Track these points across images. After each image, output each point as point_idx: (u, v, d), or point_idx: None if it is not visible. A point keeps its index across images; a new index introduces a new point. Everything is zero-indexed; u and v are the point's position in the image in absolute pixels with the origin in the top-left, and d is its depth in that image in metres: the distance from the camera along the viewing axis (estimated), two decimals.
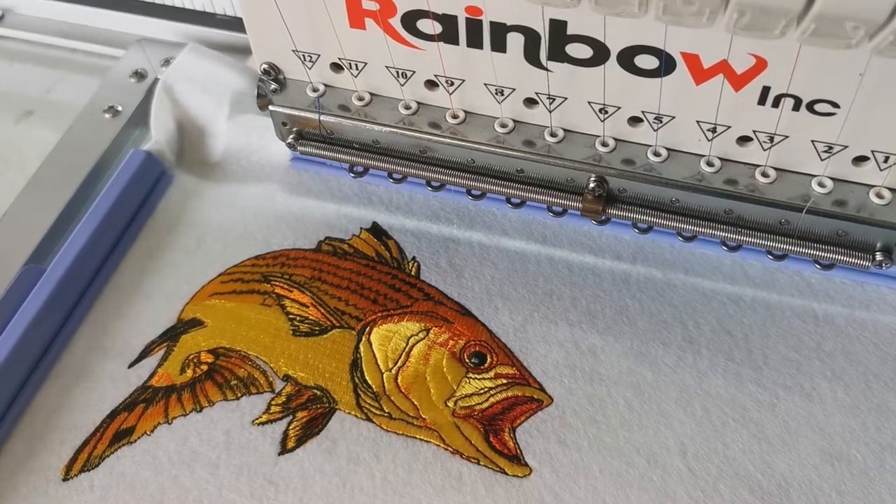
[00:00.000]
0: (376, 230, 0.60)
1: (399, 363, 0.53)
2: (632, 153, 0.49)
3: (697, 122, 0.45)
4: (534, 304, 0.55)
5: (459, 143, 0.51)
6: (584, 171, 0.49)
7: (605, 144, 0.49)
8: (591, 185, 0.49)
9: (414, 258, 0.58)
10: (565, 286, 0.56)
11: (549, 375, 0.52)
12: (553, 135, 0.50)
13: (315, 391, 0.52)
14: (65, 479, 0.49)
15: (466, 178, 0.53)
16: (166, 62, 0.67)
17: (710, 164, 0.47)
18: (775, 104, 0.43)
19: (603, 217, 0.51)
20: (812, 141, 0.44)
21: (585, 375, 0.52)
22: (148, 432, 0.51)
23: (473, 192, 0.56)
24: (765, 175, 0.47)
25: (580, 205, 0.50)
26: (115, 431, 0.51)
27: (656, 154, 0.48)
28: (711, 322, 0.53)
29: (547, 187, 0.51)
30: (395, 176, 0.57)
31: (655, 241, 0.57)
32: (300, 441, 0.50)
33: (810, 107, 0.42)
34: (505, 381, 0.51)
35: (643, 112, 0.46)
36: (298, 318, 0.55)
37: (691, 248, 0.57)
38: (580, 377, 0.51)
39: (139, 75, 0.68)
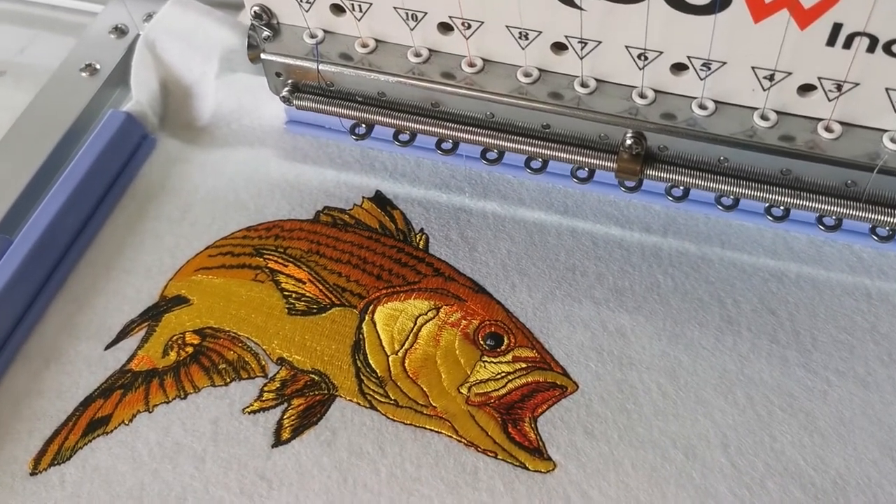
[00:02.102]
0: (380, 199, 0.54)
1: (406, 345, 0.47)
2: (674, 106, 0.43)
3: (753, 68, 0.40)
4: (555, 281, 0.50)
5: (476, 94, 0.45)
6: (620, 126, 0.43)
7: (643, 96, 0.43)
8: (628, 141, 0.43)
9: (422, 230, 0.52)
10: (590, 261, 0.50)
11: (574, 359, 0.46)
12: (584, 85, 0.44)
13: (312, 376, 0.47)
14: (32, 474, 0.44)
15: (484, 134, 0.47)
16: (148, 16, 0.61)
17: (764, 117, 0.42)
18: (847, 45, 0.37)
19: (639, 179, 0.46)
20: (887, 89, 0.39)
21: (614, 359, 0.46)
22: (126, 421, 0.46)
23: (489, 154, 0.51)
24: (828, 130, 0.41)
25: (614, 165, 0.44)
26: (90, 420, 0.46)
27: (702, 107, 0.42)
28: (752, 300, 0.48)
29: (576, 145, 0.45)
30: (401, 137, 0.51)
31: (689, 212, 0.52)
32: (296, 432, 0.45)
33: (888, 48, 0.37)
34: (524, 365, 0.46)
35: (689, 58, 0.41)
36: (294, 296, 0.50)
37: (728, 220, 0.52)
38: (608, 361, 0.46)
39: (119, 31, 0.62)
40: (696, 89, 0.42)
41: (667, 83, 0.43)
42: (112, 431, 0.45)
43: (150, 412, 0.46)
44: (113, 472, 0.44)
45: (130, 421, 0.46)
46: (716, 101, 0.42)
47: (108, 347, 0.49)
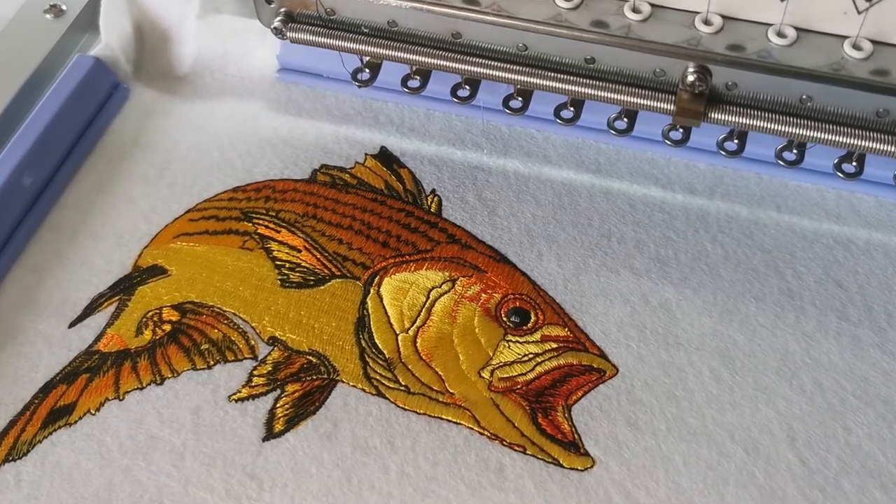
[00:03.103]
0: (385, 156, 0.48)
1: (418, 322, 0.41)
2: (745, 35, 0.37)
3: None
4: (588, 249, 0.43)
5: (506, 22, 0.39)
6: (679, 59, 0.37)
7: (707, 23, 0.37)
8: (690, 78, 0.36)
9: (434, 191, 0.46)
10: (627, 226, 0.44)
11: (612, 338, 0.40)
12: (636, 10, 0.38)
13: (310, 358, 0.40)
14: None
15: (514, 71, 0.40)
16: None
17: (857, 47, 0.35)
18: None
19: (686, 133, 0.39)
20: None
21: (658, 338, 0.40)
22: (92, 411, 0.39)
23: (512, 103, 0.44)
24: None
25: (672, 107, 0.38)
26: (50, 409, 0.39)
27: (781, 35, 0.36)
28: (816, 271, 0.42)
29: (626, 84, 0.39)
30: (411, 84, 0.45)
31: (738, 171, 0.46)
32: (291, 423, 0.38)
33: None
34: (555, 345, 0.40)
35: None
36: (288, 266, 0.43)
37: (784, 179, 0.45)
38: (652, 341, 0.40)
39: None
40: (773, 14, 0.35)
41: (737, 7, 0.36)
42: (76, 423, 0.39)
43: (120, 400, 0.40)
44: (77, 471, 0.38)
45: (98, 410, 0.39)
46: (797, 28, 0.36)
47: (72, 325, 0.42)
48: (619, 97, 0.39)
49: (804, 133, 0.37)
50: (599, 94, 0.39)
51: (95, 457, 0.38)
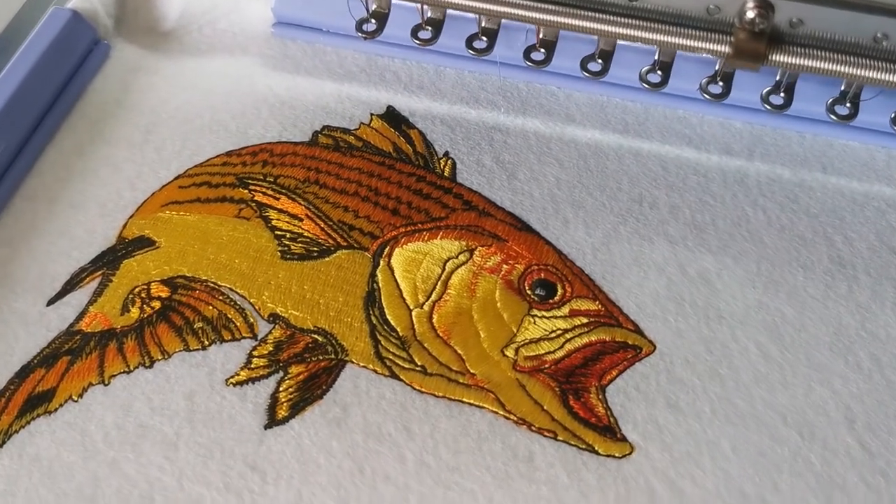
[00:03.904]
0: (393, 116, 0.44)
1: (433, 296, 0.37)
2: None
3: None
4: (618, 215, 0.40)
5: None
6: None
7: None
8: (750, 13, 0.32)
9: (447, 154, 0.42)
10: (660, 190, 0.40)
11: (648, 312, 0.37)
12: None
13: (315, 336, 0.36)
14: None
15: (543, 10, 0.36)
16: None
17: None
18: None
19: (726, 86, 0.36)
20: None
21: (698, 311, 0.37)
22: (74, 397, 0.35)
23: (534, 55, 0.40)
24: None
25: (727, 49, 0.34)
26: (28, 396, 0.36)
27: None
28: (868, 237, 0.39)
29: (674, 23, 0.35)
30: (421, 35, 0.41)
31: (778, 130, 0.42)
32: (295, 408, 0.35)
33: None
34: (585, 319, 0.36)
35: None
36: (288, 236, 0.39)
37: (828, 138, 0.42)
38: (691, 314, 0.37)
39: None
40: None
41: None
42: (56, 410, 0.35)
43: (105, 385, 0.36)
44: (58, 464, 0.34)
45: (80, 396, 0.35)
46: None
47: (50, 303, 0.38)
48: (666, 39, 0.35)
49: (880, 77, 0.33)
50: (643, 35, 0.35)
51: (78, 448, 0.34)
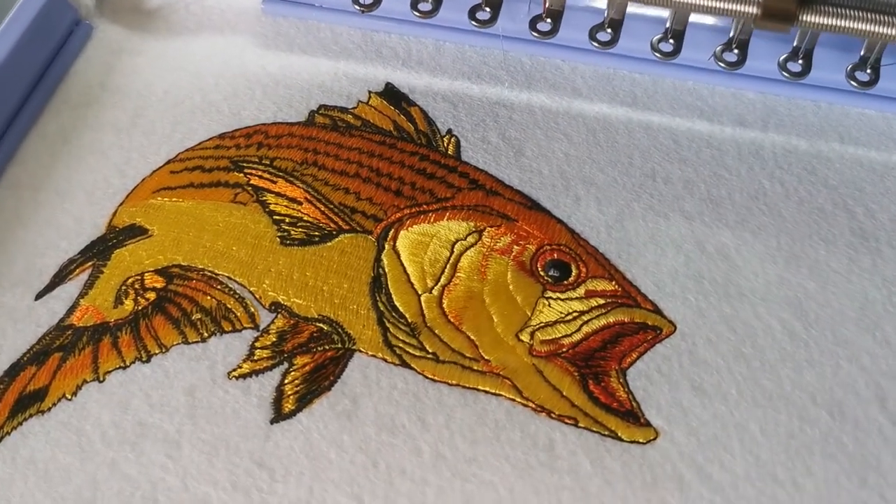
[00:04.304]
0: (392, 94, 0.42)
1: (442, 280, 0.36)
2: None
3: None
4: (631, 191, 0.38)
5: None
6: None
7: None
8: None
9: (450, 131, 0.40)
10: (673, 164, 0.39)
11: (666, 291, 0.35)
12: None
13: (320, 325, 0.35)
14: None
15: None
16: None
17: None
18: None
19: (740, 54, 0.34)
20: None
21: (718, 289, 0.35)
22: (69, 395, 0.33)
23: (540, 25, 0.38)
24: None
25: (755, 10, 0.32)
26: (19, 396, 0.34)
27: None
28: (890, 208, 0.37)
29: None
30: (422, 6, 0.39)
31: (792, 99, 0.41)
32: (302, 401, 0.33)
33: None
34: (602, 300, 0.35)
35: None
36: (288, 220, 0.37)
37: (844, 106, 0.40)
38: (711, 292, 0.35)
39: None
40: None
41: None
42: (50, 410, 0.33)
43: (100, 382, 0.34)
44: (54, 466, 0.32)
45: (74, 394, 0.34)
46: None
47: (39, 296, 0.36)
48: (692, 0, 0.33)
49: None
50: None
51: (75, 449, 0.32)
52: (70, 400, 0.33)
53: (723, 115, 0.40)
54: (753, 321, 0.34)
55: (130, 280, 0.36)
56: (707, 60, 0.38)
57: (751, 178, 0.38)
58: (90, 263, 0.37)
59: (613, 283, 0.36)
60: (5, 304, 0.36)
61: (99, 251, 0.37)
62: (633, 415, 0.33)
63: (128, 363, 0.34)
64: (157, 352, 0.34)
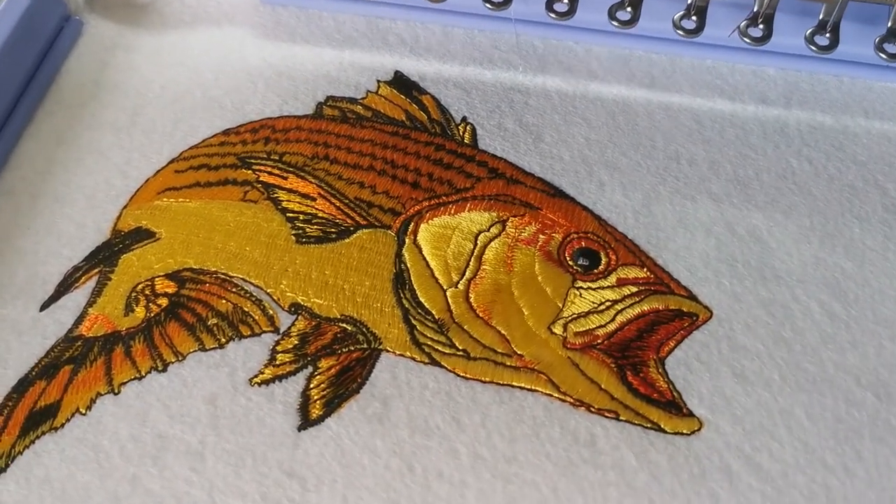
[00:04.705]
0: (402, 82, 0.40)
1: (467, 274, 0.34)
2: None
3: None
4: (656, 174, 0.37)
5: None
6: None
7: None
8: None
9: (465, 119, 0.39)
10: (696, 145, 0.38)
11: (699, 276, 0.34)
12: None
13: (343, 325, 0.33)
14: None
15: None
16: None
17: None
18: None
19: (765, 32, 0.33)
20: None
21: (753, 272, 0.34)
22: (83, 410, 0.32)
23: (557, 6, 0.37)
24: None
25: None
26: (29, 412, 0.32)
27: None
28: None
29: None
30: None
31: (815, 75, 0.40)
32: (330, 405, 0.32)
33: None
34: (634, 288, 0.34)
35: None
36: (302, 217, 0.36)
37: (867, 80, 0.39)
38: (746, 276, 0.34)
39: None
40: None
41: None
42: (64, 426, 0.32)
43: (115, 394, 0.32)
44: (71, 485, 0.30)
45: (89, 408, 0.32)
46: None
47: (44, 307, 0.34)
48: None
49: None
50: None
51: (93, 466, 0.31)
52: (84, 414, 0.32)
53: (744, 94, 0.39)
54: (791, 304, 0.33)
55: (140, 286, 0.35)
56: (729, 37, 0.37)
57: (777, 156, 0.37)
58: (96, 270, 0.35)
59: (645, 269, 0.34)
60: (7, 316, 0.34)
61: (105, 257, 0.35)
62: (674, 405, 0.31)
63: (143, 373, 0.33)
64: (173, 360, 0.33)
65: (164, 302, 0.34)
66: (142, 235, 0.36)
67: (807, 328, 0.33)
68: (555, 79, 0.40)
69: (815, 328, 0.33)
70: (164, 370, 0.33)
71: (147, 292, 0.35)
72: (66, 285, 0.35)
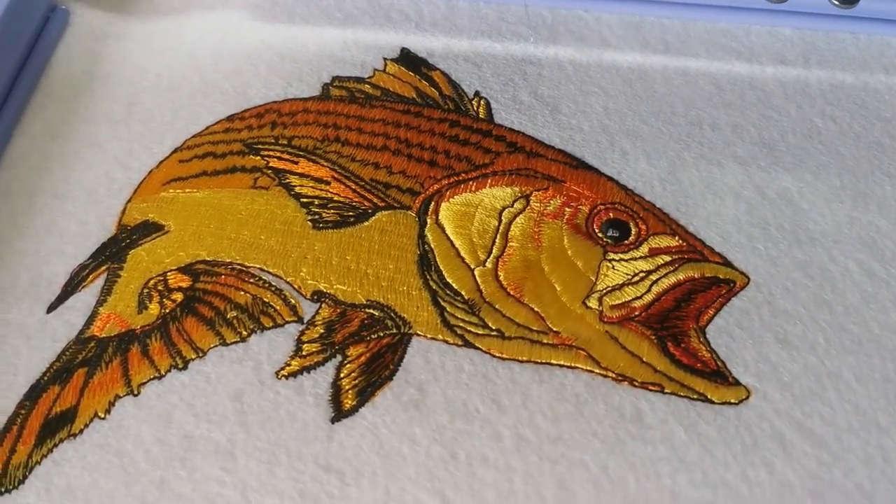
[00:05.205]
0: (409, 59, 0.39)
1: (494, 251, 0.33)
2: None
3: None
4: (679, 141, 0.36)
5: None
6: None
7: None
8: None
9: (477, 94, 0.37)
10: (717, 110, 0.37)
11: (733, 241, 0.33)
12: None
13: (370, 311, 0.32)
14: None
15: None
16: None
17: None
18: None
19: None
20: None
21: (787, 235, 0.33)
22: (101, 414, 0.30)
23: None
24: None
25: None
26: (45, 419, 0.30)
27: None
28: None
29: None
30: None
31: (831, 33, 0.39)
32: (363, 395, 0.30)
33: None
34: (668, 258, 0.33)
35: None
36: (317, 202, 0.34)
37: (885, 37, 0.39)
38: (780, 239, 0.33)
39: None
40: None
41: None
42: (83, 432, 0.30)
43: (135, 395, 0.31)
44: (95, 493, 0.29)
45: (108, 412, 0.30)
46: None
47: (51, 309, 0.33)
48: None
49: None
50: None
51: (117, 472, 0.29)
52: (104, 419, 0.30)
53: (761, 55, 0.38)
54: (829, 265, 0.33)
55: (152, 282, 0.33)
56: None
57: (801, 117, 0.36)
58: (104, 268, 0.33)
59: (677, 238, 0.33)
60: (13, 320, 0.32)
61: (112, 253, 0.34)
62: (720, 374, 0.30)
63: (163, 372, 0.31)
64: (193, 357, 0.31)
65: (178, 297, 0.33)
66: (149, 229, 0.34)
67: (847, 289, 0.32)
68: (567, 49, 0.39)
69: (856, 288, 0.32)
70: (185, 368, 0.31)
71: (160, 288, 0.33)
72: (73, 285, 0.33)
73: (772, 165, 0.35)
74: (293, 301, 0.32)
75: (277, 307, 0.32)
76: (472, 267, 0.33)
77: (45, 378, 0.31)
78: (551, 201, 0.34)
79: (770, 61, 0.38)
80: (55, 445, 0.30)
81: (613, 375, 0.30)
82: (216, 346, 0.31)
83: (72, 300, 0.33)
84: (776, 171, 0.35)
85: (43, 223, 0.34)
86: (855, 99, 0.37)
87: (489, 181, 0.35)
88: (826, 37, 0.39)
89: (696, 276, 0.32)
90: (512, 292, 0.32)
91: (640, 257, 0.33)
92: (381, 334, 0.32)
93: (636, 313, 0.31)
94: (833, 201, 0.34)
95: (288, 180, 0.35)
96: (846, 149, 0.35)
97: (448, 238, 0.33)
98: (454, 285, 0.32)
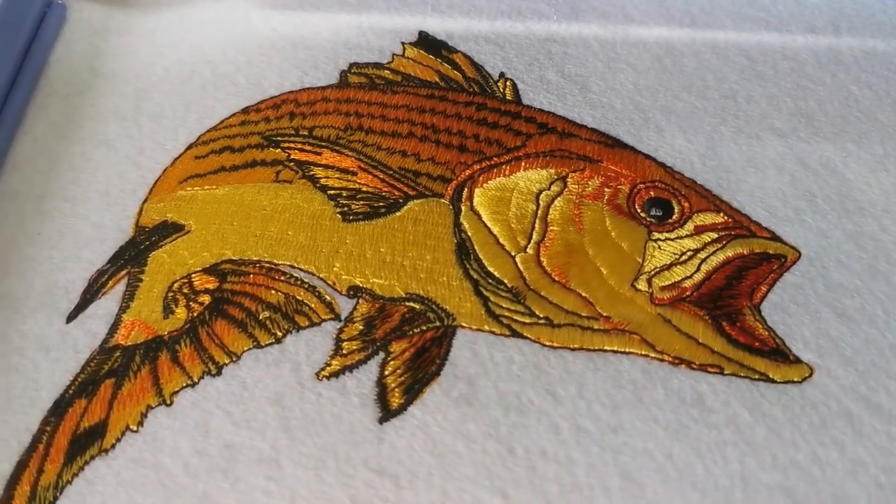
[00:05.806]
0: (428, 42, 0.37)
1: (535, 236, 0.32)
2: None
3: None
4: (714, 115, 0.35)
5: None
6: None
7: None
8: None
9: (503, 75, 0.36)
10: (750, 82, 0.36)
11: (779, 215, 0.32)
12: None
13: (411, 304, 0.30)
14: None
15: None
16: None
17: None
18: None
19: None
20: None
21: (835, 206, 0.32)
22: (133, 426, 0.28)
23: None
24: None
25: None
26: (73, 435, 0.28)
27: None
28: None
29: None
30: None
31: (857, 0, 0.38)
32: (410, 392, 0.29)
33: None
34: (715, 235, 0.31)
35: None
36: (345, 194, 0.33)
37: None
38: (828, 210, 0.32)
39: None
40: None
41: None
42: (115, 446, 0.28)
43: (168, 405, 0.29)
44: None
45: (140, 424, 0.28)
46: None
47: (70, 318, 0.31)
48: None
49: None
50: None
51: (155, 487, 0.27)
52: (136, 431, 0.28)
53: (790, 24, 0.37)
54: (880, 235, 0.32)
55: (177, 285, 0.31)
56: None
57: (836, 85, 0.35)
58: (125, 272, 0.32)
59: (721, 214, 0.32)
60: (30, 332, 0.30)
61: (131, 257, 0.32)
62: (780, 352, 0.29)
63: (196, 379, 0.29)
64: (226, 361, 0.30)
65: (206, 299, 0.31)
66: (169, 230, 0.32)
67: None
68: (591, 25, 0.37)
69: None
70: (219, 373, 0.29)
71: (185, 290, 0.31)
72: (92, 292, 0.31)
73: (812, 136, 0.34)
74: (328, 298, 0.31)
75: (312, 305, 0.31)
76: (513, 254, 0.31)
77: (70, 391, 0.29)
78: (589, 182, 0.33)
79: (800, 30, 0.37)
80: (86, 463, 0.28)
81: (670, 359, 0.29)
82: (250, 348, 0.30)
83: (92, 308, 0.31)
84: (817, 141, 0.34)
85: (55, 228, 0.33)
86: (888, 65, 0.36)
87: (523, 164, 0.33)
88: (853, 3, 0.38)
89: (745, 252, 0.31)
90: (557, 278, 0.31)
91: (686, 235, 0.32)
92: (424, 328, 0.30)
93: (687, 293, 0.30)
94: (878, 170, 0.33)
95: (312, 172, 0.33)
96: (885, 116, 0.34)
97: (485, 225, 0.32)
98: (496, 273, 0.31)
